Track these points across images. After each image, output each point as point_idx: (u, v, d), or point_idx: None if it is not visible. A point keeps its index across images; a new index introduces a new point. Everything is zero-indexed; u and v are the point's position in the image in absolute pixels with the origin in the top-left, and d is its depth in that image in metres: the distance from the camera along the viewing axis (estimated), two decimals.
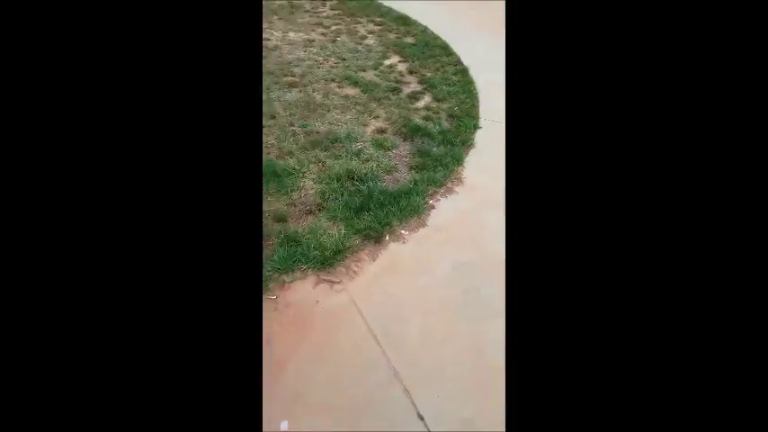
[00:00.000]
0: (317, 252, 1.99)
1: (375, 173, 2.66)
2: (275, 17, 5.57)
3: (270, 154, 2.82)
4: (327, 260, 1.94)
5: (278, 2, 6.22)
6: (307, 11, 5.93)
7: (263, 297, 1.82)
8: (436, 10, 6.17)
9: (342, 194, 2.45)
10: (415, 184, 2.57)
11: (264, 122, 3.17)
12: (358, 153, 2.86)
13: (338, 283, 1.88)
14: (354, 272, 1.92)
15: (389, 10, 6.05)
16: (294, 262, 1.96)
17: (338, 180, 2.56)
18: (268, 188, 2.50)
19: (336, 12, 5.93)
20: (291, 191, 2.49)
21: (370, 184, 2.53)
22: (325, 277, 1.89)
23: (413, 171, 2.73)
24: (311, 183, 2.56)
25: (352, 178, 2.59)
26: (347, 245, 2.02)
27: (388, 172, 2.71)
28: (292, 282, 1.92)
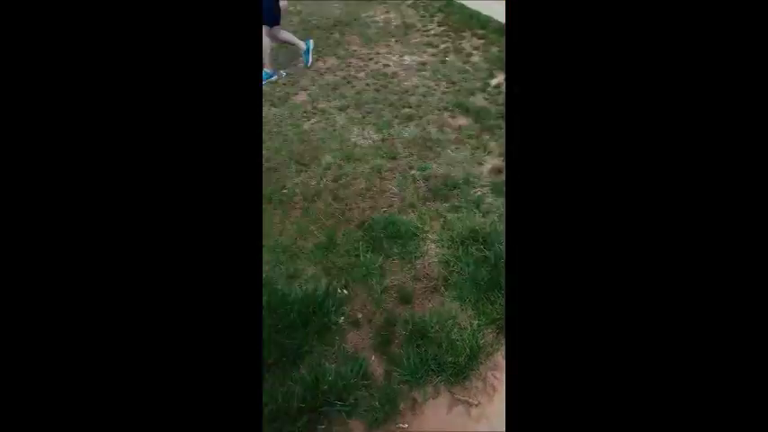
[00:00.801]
0: (449, 358, 1.78)
1: (499, 229, 2.50)
2: (392, 39, 5.54)
3: (392, 206, 2.78)
4: (461, 370, 1.73)
5: (394, 23, 6.18)
6: (418, 30, 5.82)
7: (394, 428, 1.60)
8: None
9: (467, 265, 2.30)
10: None
11: (386, 165, 3.15)
12: (478, 203, 2.71)
13: (476, 405, 1.65)
14: (493, 387, 1.72)
15: (489, 20, 5.72)
16: (426, 371, 1.75)
17: (462, 243, 2.45)
18: (391, 253, 2.44)
19: (443, 28, 5.74)
20: (415, 258, 2.41)
21: (496, 248, 2.39)
22: (460, 396, 1.68)
23: None
24: (434, 247, 2.46)
25: (476, 240, 2.46)
26: (481, 343, 1.85)
27: None
28: (425, 402, 1.68)
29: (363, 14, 6.83)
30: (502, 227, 2.51)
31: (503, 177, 2.91)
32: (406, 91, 4.17)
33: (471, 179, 2.92)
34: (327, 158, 3.30)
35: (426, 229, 2.58)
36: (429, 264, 2.38)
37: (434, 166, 3.10)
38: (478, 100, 3.87)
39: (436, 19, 6.15)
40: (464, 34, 5.43)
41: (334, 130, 3.65)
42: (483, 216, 2.63)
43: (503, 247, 2.37)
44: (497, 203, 2.71)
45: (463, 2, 6.64)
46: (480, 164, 3.07)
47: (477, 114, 3.61)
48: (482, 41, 5.13)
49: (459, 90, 4.04)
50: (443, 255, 2.40)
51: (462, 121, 3.59)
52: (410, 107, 3.89)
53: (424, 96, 4.03)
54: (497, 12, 5.93)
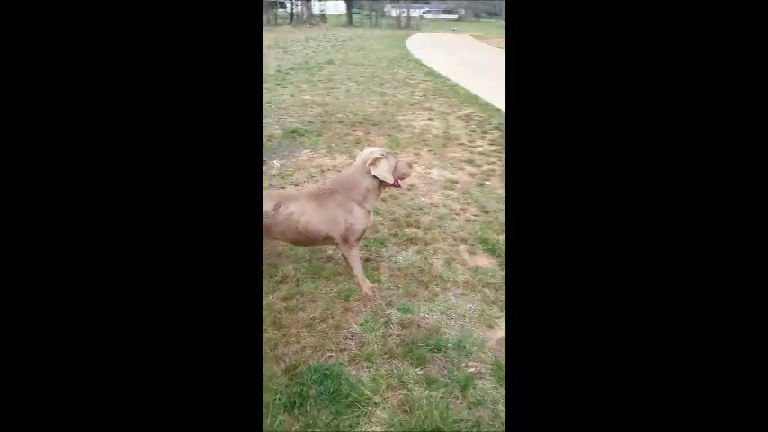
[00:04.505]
0: None
1: None
2: (425, 148, 5.07)
3: (344, 352, 1.97)
4: None
5: (434, 132, 5.80)
6: (461, 143, 5.37)
7: None
8: None
9: None
10: None
11: (357, 292, 2.39)
12: (465, 385, 1.84)
13: None
14: None
15: None
16: None
17: None
18: (317, 418, 1.64)
19: (494, 147, 5.23)
20: None
21: None
22: None
23: None
24: (378, 430, 1.63)
25: None
26: None
27: None
28: None
29: (400, 117, 6.53)
30: None
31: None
32: (420, 208, 3.49)
33: (468, 346, 2.07)
34: (287, 269, 2.62)
35: (377, 400, 1.75)
36: None
37: (423, 310, 2.29)
38: None
39: (489, 136, 5.69)
40: None
41: None
42: (467, 408, 1.75)
43: None
44: (496, 395, 1.82)
45: None
46: (490, 326, 2.24)
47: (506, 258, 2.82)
48: None
49: (490, 222, 3.30)
50: None
51: (483, 261, 2.81)
52: (417, 227, 3.19)
53: (441, 219, 3.34)
54: None
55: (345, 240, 2.32)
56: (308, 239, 2.32)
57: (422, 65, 13.07)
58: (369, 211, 2.34)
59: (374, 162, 2.23)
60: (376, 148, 2.34)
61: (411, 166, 2.42)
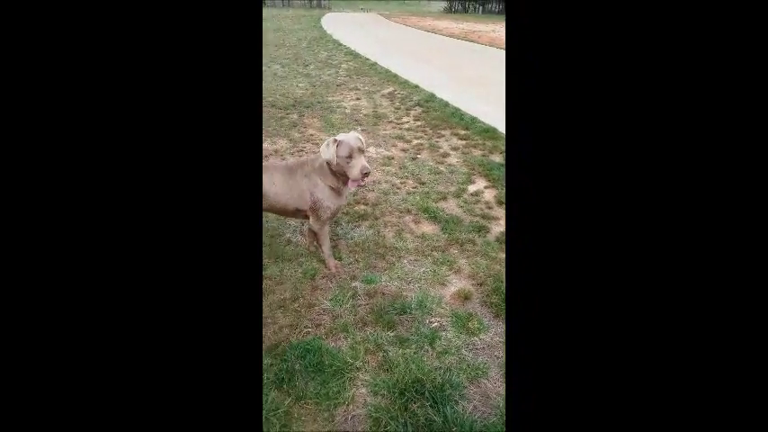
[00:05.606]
0: None
1: (455, 382, 1.85)
2: (358, 127, 5.22)
3: (319, 327, 2.12)
4: None
5: (364, 111, 5.94)
6: (390, 121, 5.57)
7: None
8: None
9: (405, 426, 1.65)
10: None
11: (322, 270, 2.54)
12: (432, 338, 2.08)
13: None
14: None
15: (474, 120, 5.52)
16: None
17: (401, 395, 1.78)
18: (305, 393, 1.77)
19: (419, 123, 5.50)
20: (336, 404, 1.74)
21: (448, 409, 1.72)
22: None
23: None
24: (364, 392, 1.80)
25: (422, 393, 1.80)
26: None
27: (474, 378, 1.89)
28: None
29: (330, 98, 6.63)
30: (460, 378, 1.86)
31: (469, 307, 2.30)
32: (365, 185, 3.67)
33: (428, 304, 2.30)
34: None
35: (358, 365, 1.92)
36: (353, 416, 1.71)
37: (384, 279, 2.49)
38: (450, 206, 3.38)
39: (413, 113, 5.97)
40: (443, 132, 5.16)
41: (265, 221, 3.05)
42: (437, 357, 1.97)
43: (461, 407, 1.75)
44: (459, 341, 2.07)
45: (448, 100, 6.51)
46: (443, 284, 2.48)
47: (447, 223, 3.09)
48: (463, 142, 4.82)
49: (427, 193, 3.56)
50: (375, 407, 1.73)
51: (428, 228, 3.06)
52: (365, 204, 3.38)
53: (385, 194, 3.55)
54: (484, 113, 5.75)
55: (317, 216, 2.41)
56: (278, 210, 2.45)
57: (340, 45, 13.05)
58: (337, 190, 2.37)
59: (331, 142, 2.25)
60: (352, 133, 2.32)
61: (367, 173, 2.24)
